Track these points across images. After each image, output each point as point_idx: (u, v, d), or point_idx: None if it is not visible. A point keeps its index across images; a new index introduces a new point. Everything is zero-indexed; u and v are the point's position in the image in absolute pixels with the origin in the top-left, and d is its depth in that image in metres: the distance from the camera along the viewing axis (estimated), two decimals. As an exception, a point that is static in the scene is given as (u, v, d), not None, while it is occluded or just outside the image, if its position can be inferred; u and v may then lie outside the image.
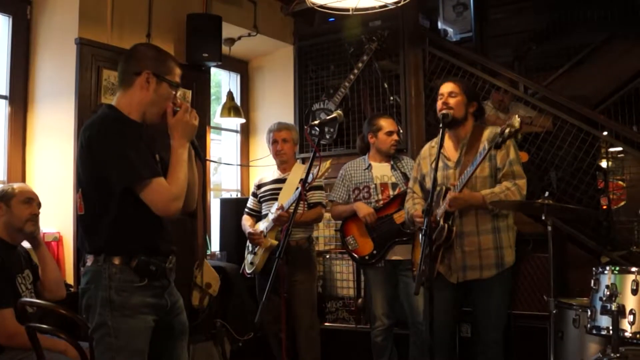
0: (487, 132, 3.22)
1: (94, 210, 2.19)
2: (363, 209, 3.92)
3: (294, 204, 3.62)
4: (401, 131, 4.65)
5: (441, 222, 3.18)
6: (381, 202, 3.96)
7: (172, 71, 2.29)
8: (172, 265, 2.32)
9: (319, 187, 4.16)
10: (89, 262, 2.20)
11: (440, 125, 3.14)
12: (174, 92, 2.29)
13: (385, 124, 4.04)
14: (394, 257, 3.90)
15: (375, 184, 4.01)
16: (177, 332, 2.35)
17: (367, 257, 3.96)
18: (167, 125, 2.26)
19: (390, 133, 4.02)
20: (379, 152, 4.07)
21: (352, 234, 4.05)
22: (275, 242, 3.99)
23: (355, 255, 4.03)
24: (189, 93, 4.38)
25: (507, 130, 2.91)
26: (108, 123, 2.19)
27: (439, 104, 3.28)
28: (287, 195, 4.02)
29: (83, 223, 2.26)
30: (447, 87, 3.30)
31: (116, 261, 2.14)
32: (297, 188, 3.71)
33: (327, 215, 4.46)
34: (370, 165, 4.08)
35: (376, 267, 3.96)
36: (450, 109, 3.22)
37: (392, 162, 4.06)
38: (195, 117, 2.29)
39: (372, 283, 4.01)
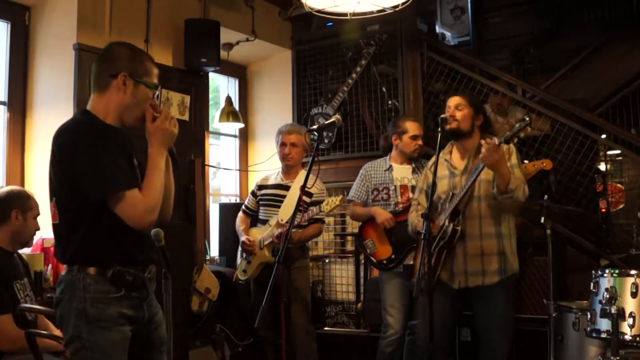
0: None
1: (69, 219, 2.10)
2: (381, 215, 3.86)
3: (296, 217, 3.47)
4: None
5: (446, 223, 3.17)
6: (400, 205, 3.90)
7: (150, 72, 2.19)
8: (152, 275, 2.22)
9: (321, 202, 4.14)
10: (63, 271, 2.13)
11: (439, 130, 3.14)
12: (152, 94, 2.20)
13: (411, 127, 3.97)
14: (412, 262, 3.78)
15: (395, 186, 3.94)
16: (155, 345, 2.25)
17: (384, 262, 3.90)
18: (144, 129, 2.17)
19: (415, 137, 3.96)
20: (402, 155, 4.01)
21: (371, 238, 3.99)
22: (272, 259, 3.94)
23: (373, 259, 3.98)
24: (187, 98, 4.38)
25: (517, 125, 2.93)
26: (81, 129, 2.10)
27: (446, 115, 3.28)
28: (289, 207, 3.97)
29: (58, 232, 2.17)
30: (453, 100, 3.31)
31: (91, 271, 2.06)
32: (299, 210, 3.56)
33: (326, 219, 4.45)
34: (391, 166, 4.01)
35: (393, 272, 3.89)
36: (457, 121, 3.25)
37: (413, 165, 4.00)
38: (175, 125, 2.19)
39: (388, 288, 3.91)
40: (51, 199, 2.18)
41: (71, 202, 2.09)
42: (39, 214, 3.00)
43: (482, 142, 2.98)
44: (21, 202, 2.90)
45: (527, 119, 2.96)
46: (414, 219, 3.43)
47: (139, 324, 2.16)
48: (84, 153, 2.03)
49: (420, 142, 3.98)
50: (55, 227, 2.18)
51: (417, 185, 3.67)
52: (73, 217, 2.10)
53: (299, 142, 4.17)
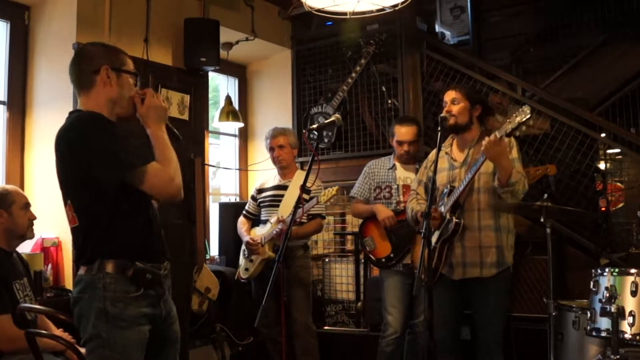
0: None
1: (87, 218, 2.13)
2: (382, 212, 3.86)
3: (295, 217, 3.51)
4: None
5: (447, 216, 3.18)
6: (402, 204, 3.89)
7: (126, 62, 2.27)
8: (167, 272, 2.26)
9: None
10: (81, 271, 2.15)
11: (439, 129, 3.14)
12: (133, 82, 2.27)
13: (399, 132, 3.93)
14: (412, 261, 3.79)
15: (398, 185, 3.94)
16: (170, 341, 2.30)
17: (383, 260, 3.91)
18: (132, 124, 2.24)
19: (400, 143, 3.92)
20: (399, 158, 4.02)
21: (371, 235, 4.00)
22: (273, 255, 4.00)
23: (372, 256, 3.98)
24: (187, 97, 4.38)
25: (517, 118, 2.94)
26: (84, 123, 2.14)
27: (444, 112, 3.29)
28: (288, 205, 3.99)
29: (78, 235, 2.19)
30: (449, 95, 3.32)
31: (111, 270, 2.08)
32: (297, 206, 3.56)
33: (326, 217, 4.45)
34: (394, 165, 4.01)
35: (393, 271, 3.89)
36: (453, 117, 3.26)
37: (417, 165, 3.96)
38: (163, 99, 2.26)
39: (388, 287, 3.90)
40: (66, 203, 2.20)
41: (87, 201, 2.13)
42: (27, 203, 2.97)
43: (486, 139, 2.99)
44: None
45: (528, 111, 2.95)
46: (414, 205, 3.44)
47: (157, 321, 2.19)
48: (94, 142, 2.08)
49: (406, 148, 3.91)
50: (76, 230, 2.19)
51: (416, 177, 3.66)
52: (90, 216, 2.13)
53: (286, 143, 4.21)
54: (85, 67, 2.22)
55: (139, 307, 2.12)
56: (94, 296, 2.08)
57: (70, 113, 2.27)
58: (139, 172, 2.08)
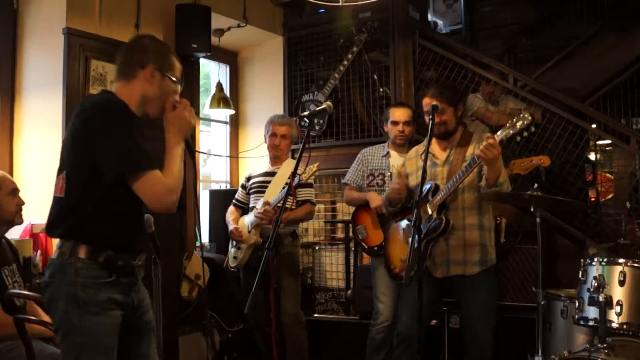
0: (476, 137, 3.31)
1: (77, 194, 2.11)
2: (376, 200, 3.85)
3: (281, 201, 3.51)
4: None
5: (434, 215, 3.18)
6: None
7: (174, 67, 2.28)
8: (142, 262, 2.24)
9: (309, 185, 4.14)
10: (54, 255, 2.13)
11: (430, 118, 3.14)
12: (175, 88, 2.27)
13: (394, 113, 3.97)
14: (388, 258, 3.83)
15: (391, 173, 3.93)
16: (143, 330, 2.27)
17: (375, 248, 3.91)
18: (158, 119, 2.23)
19: (395, 123, 3.95)
20: (393, 142, 4.03)
21: (364, 224, 4.00)
22: (260, 240, 4.00)
23: (365, 245, 3.99)
24: (177, 84, 4.35)
25: (519, 124, 2.94)
26: (110, 107, 2.13)
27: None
28: (275, 190, 3.99)
29: (59, 205, 2.16)
30: (432, 104, 3.28)
31: (83, 255, 2.07)
32: (284, 187, 3.61)
33: (317, 205, 4.45)
34: (388, 152, 4.01)
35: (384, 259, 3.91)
36: (444, 125, 3.29)
37: None
38: (194, 116, 2.26)
39: (379, 275, 3.91)
40: (60, 172, 2.18)
41: (84, 178, 2.11)
42: (15, 189, 2.94)
43: (484, 142, 2.99)
44: None
45: (530, 117, 2.95)
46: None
47: (128, 309, 2.17)
48: (111, 129, 2.07)
49: (400, 128, 3.95)
50: (58, 200, 2.17)
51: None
52: (81, 194, 2.11)
53: (289, 134, 4.19)
54: (135, 58, 2.22)
55: (110, 292, 2.10)
56: (64, 281, 2.06)
57: (102, 91, 2.29)
58: (140, 174, 2.06)
